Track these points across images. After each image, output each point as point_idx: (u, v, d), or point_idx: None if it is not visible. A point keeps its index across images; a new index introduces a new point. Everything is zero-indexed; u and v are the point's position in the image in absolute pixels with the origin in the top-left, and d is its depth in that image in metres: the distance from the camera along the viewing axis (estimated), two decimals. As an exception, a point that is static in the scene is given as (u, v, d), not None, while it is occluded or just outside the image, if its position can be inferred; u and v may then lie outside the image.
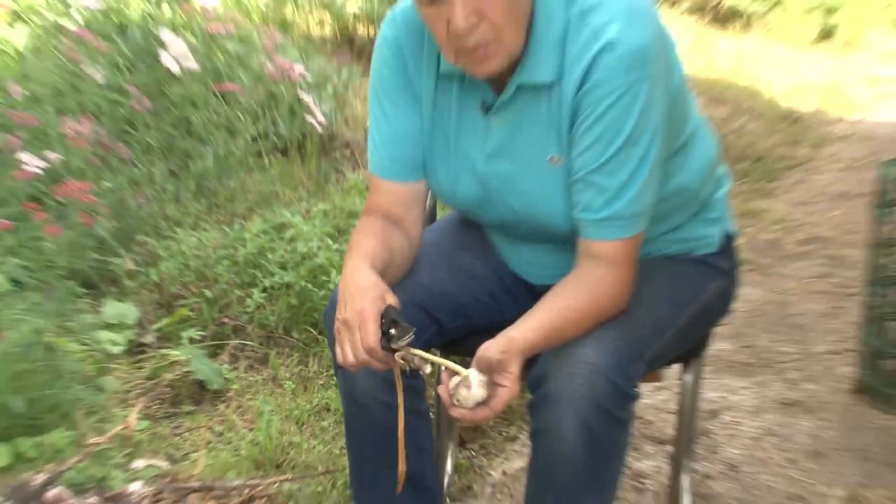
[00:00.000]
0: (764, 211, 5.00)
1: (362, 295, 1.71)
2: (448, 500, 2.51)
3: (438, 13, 1.68)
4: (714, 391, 3.24)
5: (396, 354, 1.68)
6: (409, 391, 1.90)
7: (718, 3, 8.50)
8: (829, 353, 3.54)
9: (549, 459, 1.81)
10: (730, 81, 6.84)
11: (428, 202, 2.06)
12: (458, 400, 1.63)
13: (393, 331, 1.67)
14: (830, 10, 8.64)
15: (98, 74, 3.80)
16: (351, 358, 1.70)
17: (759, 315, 3.84)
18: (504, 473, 2.72)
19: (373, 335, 1.67)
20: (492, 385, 1.64)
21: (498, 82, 1.83)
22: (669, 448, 2.81)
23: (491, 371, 1.63)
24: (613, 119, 1.74)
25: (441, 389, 1.66)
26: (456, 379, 1.64)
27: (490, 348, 1.64)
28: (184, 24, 4.32)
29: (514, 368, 1.65)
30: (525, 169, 1.87)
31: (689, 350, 2.12)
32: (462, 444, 2.80)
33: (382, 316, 1.69)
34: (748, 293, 3.89)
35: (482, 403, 1.63)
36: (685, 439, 2.24)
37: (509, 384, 1.64)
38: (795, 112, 6.82)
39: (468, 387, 1.62)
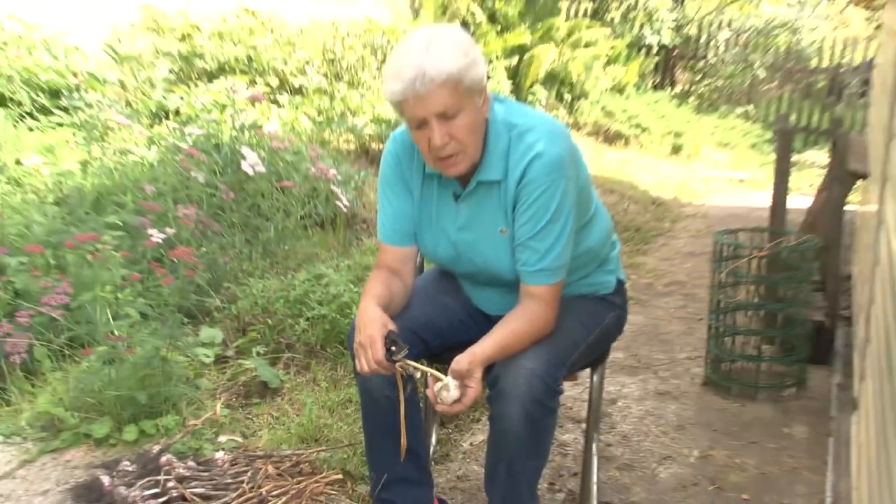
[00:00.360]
0: (642, 264, 4.97)
1: (372, 324, 1.73)
2: (432, 464, 2.44)
3: (423, 134, 1.71)
4: (612, 386, 3.18)
5: (396, 365, 1.70)
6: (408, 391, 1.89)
7: (608, 129, 8.56)
8: (687, 359, 3.49)
9: (502, 435, 1.78)
10: (617, 179, 6.86)
11: (417, 259, 2.03)
12: (441, 399, 1.66)
13: (393, 348, 1.69)
14: (678, 135, 8.78)
15: (201, 177, 3.77)
16: (366, 368, 1.72)
17: (641, 334, 3.79)
18: (471, 444, 2.65)
19: (379, 352, 1.69)
20: (463, 387, 1.67)
21: (463, 180, 1.85)
22: (583, 425, 2.75)
23: (462, 377, 1.66)
24: (541, 204, 1.77)
25: (428, 392, 1.68)
26: (439, 384, 1.66)
27: (461, 361, 1.67)
28: (257, 143, 4.31)
29: (478, 374, 1.68)
30: (483, 238, 1.87)
31: (596, 358, 2.10)
32: (442, 424, 2.72)
33: (385, 338, 1.70)
34: (633, 319, 3.82)
35: (457, 400, 1.66)
36: (594, 419, 2.19)
37: (475, 385, 1.67)
38: (659, 199, 6.84)
39: (448, 390, 1.65)
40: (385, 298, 1.85)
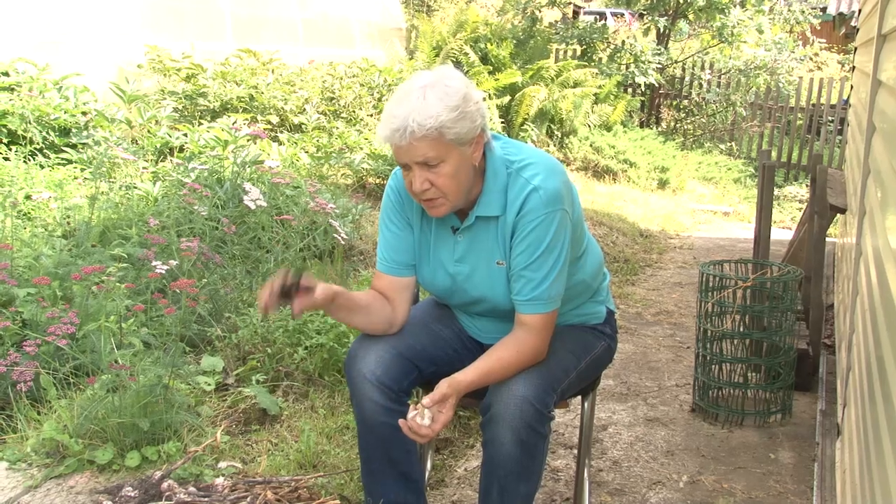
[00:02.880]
0: (631, 294, 4.97)
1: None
2: (428, 489, 2.41)
3: (408, 175, 1.75)
4: (603, 412, 3.16)
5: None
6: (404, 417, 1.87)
7: (596, 164, 8.61)
8: (675, 386, 3.48)
9: (495, 460, 1.78)
10: (606, 212, 6.88)
11: (414, 290, 2.03)
12: (412, 428, 1.70)
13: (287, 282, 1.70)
14: (664, 170, 8.81)
15: (203, 211, 3.77)
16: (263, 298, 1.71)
17: (630, 362, 3.78)
18: (465, 470, 2.63)
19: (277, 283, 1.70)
20: (437, 413, 1.70)
21: (462, 214, 1.86)
22: (575, 451, 2.73)
23: (437, 402, 1.69)
24: (537, 235, 1.77)
25: (401, 422, 1.71)
26: (413, 412, 1.70)
27: (441, 386, 1.71)
28: (258, 178, 4.32)
29: (453, 401, 1.71)
30: (479, 269, 1.88)
31: (587, 386, 2.10)
32: (437, 450, 2.70)
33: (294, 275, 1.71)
34: (623, 347, 3.83)
35: (428, 427, 1.70)
36: (585, 445, 2.18)
37: (446, 411, 1.69)
38: (647, 231, 6.86)
39: (422, 417, 1.69)
40: (360, 300, 1.87)
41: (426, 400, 1.69)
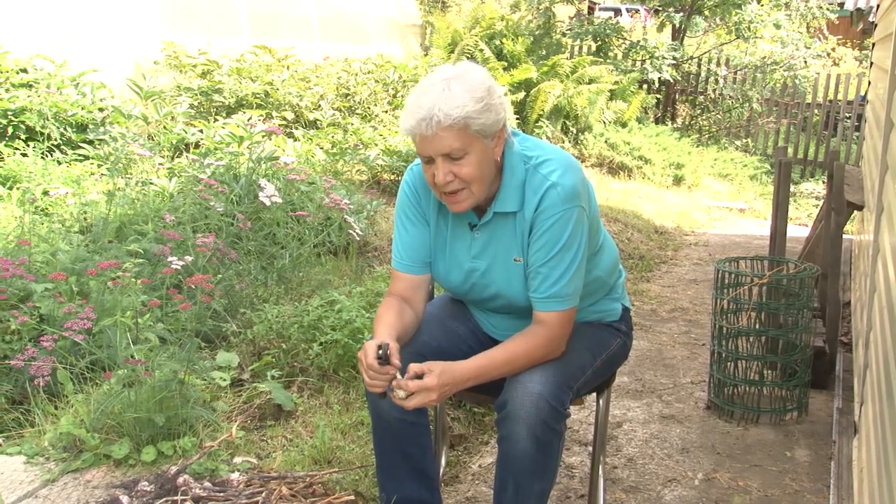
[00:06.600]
0: (646, 291, 4.95)
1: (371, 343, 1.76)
2: (442, 486, 2.41)
3: (430, 170, 1.74)
4: (618, 409, 3.15)
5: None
6: (418, 413, 1.89)
7: (611, 161, 8.57)
8: (690, 383, 3.46)
9: (510, 457, 1.77)
10: (620, 208, 6.84)
11: (429, 286, 2.02)
12: (396, 394, 1.73)
13: (380, 351, 1.72)
14: (679, 166, 8.77)
15: (219, 207, 3.78)
16: (365, 378, 1.75)
17: (645, 359, 3.77)
18: (480, 466, 2.63)
19: (370, 356, 1.72)
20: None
21: (479, 210, 1.86)
22: (589, 448, 2.73)
23: (417, 373, 1.72)
24: (554, 232, 1.77)
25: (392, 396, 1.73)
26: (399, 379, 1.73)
27: (430, 363, 1.74)
28: (273, 174, 4.33)
29: (430, 380, 1.70)
30: (497, 266, 1.88)
31: (602, 383, 2.09)
32: (452, 446, 2.70)
33: (378, 347, 1.72)
34: (638, 344, 3.82)
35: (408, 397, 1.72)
36: (600, 442, 2.17)
37: (427, 391, 1.70)
38: (662, 228, 6.82)
39: (401, 388, 1.71)
40: (397, 329, 1.84)
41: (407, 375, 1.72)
